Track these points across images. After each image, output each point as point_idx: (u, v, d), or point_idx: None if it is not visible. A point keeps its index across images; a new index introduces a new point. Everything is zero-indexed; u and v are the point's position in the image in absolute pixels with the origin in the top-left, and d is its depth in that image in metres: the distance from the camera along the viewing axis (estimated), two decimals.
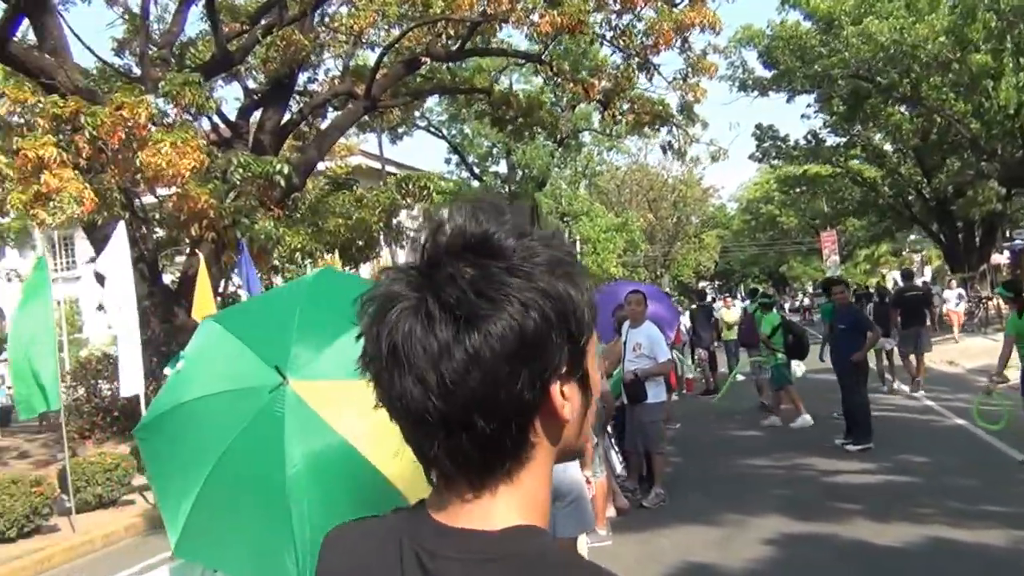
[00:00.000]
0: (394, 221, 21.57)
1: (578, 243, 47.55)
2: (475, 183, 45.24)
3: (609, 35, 19.84)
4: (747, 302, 23.72)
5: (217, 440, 3.20)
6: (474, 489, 1.10)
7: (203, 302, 13.97)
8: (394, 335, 1.04)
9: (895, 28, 26.65)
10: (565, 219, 49.00)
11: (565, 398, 1.09)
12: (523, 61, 27.52)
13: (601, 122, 28.22)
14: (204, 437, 3.29)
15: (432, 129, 43.99)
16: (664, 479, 10.27)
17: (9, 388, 19.89)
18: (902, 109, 32.64)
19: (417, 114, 36.68)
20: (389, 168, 32.95)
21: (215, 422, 3.29)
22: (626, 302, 10.04)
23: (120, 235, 12.48)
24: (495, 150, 46.74)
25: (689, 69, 20.38)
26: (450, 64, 25.18)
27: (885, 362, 18.01)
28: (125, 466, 12.24)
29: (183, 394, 3.51)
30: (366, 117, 23.30)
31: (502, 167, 48.11)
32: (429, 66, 22.63)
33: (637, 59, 19.90)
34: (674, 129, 23.71)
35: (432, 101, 38.86)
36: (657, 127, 23.45)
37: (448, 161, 45.23)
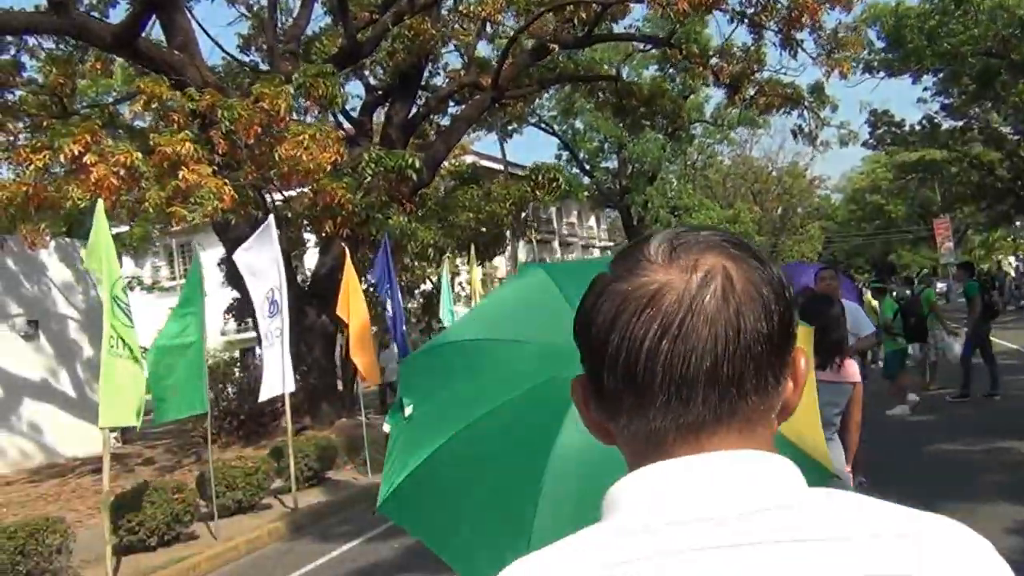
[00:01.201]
0: (522, 214, 20.35)
1: None
2: (586, 179, 43.88)
3: (750, 11, 18.19)
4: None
5: (492, 392, 2.50)
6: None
7: (350, 299, 13.01)
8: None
9: None
10: (676, 213, 47.44)
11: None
12: (650, 46, 26.10)
13: (724, 107, 26.89)
14: (478, 384, 2.61)
15: (543, 125, 42.91)
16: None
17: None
18: None
19: (527, 110, 35.62)
20: (502, 166, 31.98)
21: (500, 372, 2.59)
22: (819, 279, 8.87)
23: (269, 229, 11.51)
24: (606, 145, 45.46)
25: (833, 45, 18.71)
26: (571, 54, 24.01)
27: None
28: (265, 469, 11.33)
29: (471, 331, 2.83)
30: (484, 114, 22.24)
31: (612, 163, 46.80)
32: (552, 56, 21.41)
33: (780, 35, 18.30)
34: (805, 112, 22.12)
35: (544, 96, 37.70)
36: (788, 110, 21.88)
37: (559, 157, 43.97)
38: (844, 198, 77.87)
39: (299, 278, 19.71)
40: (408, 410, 2.62)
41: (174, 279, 46.60)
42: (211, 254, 51.26)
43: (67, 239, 18.21)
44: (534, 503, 2.24)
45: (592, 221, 62.45)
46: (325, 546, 9.67)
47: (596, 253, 60.20)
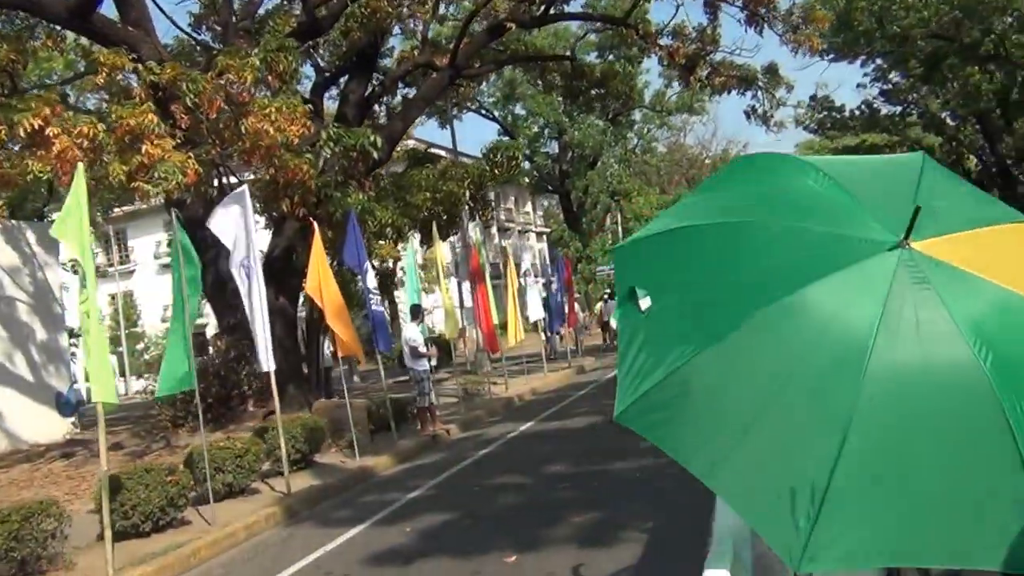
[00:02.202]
0: (480, 192, 20.00)
1: (631, 221, 46.12)
2: (527, 164, 43.64)
3: None
4: None
5: (770, 284, 2.03)
6: None
7: (318, 275, 12.56)
8: None
9: None
10: (615, 197, 47.49)
11: None
12: (604, 27, 25.91)
13: (663, 93, 26.85)
14: (746, 275, 2.13)
15: (484, 111, 42.54)
16: None
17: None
18: (984, 68, 30.60)
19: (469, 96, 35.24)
20: (440, 152, 31.59)
21: (776, 260, 2.12)
22: None
23: (243, 196, 10.94)
24: (547, 131, 45.25)
25: (801, 20, 18.70)
26: (522, 36, 23.69)
27: None
28: (256, 451, 10.77)
29: (714, 215, 2.29)
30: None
31: (553, 148, 46.63)
32: (506, 38, 21.10)
33: (746, 11, 18.22)
34: (759, 93, 22.18)
35: (485, 83, 37.37)
36: (742, 91, 21.88)
37: None
38: None
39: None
40: (644, 302, 2.17)
41: (111, 265, 45.60)
42: (144, 242, 50.35)
43: (12, 221, 17.35)
44: (839, 432, 1.83)
45: (529, 207, 62.30)
46: (329, 531, 9.18)
47: (533, 238, 60.14)
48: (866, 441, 1.81)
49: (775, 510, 1.85)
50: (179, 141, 12.89)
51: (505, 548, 7.47)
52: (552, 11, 20.40)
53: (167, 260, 46.87)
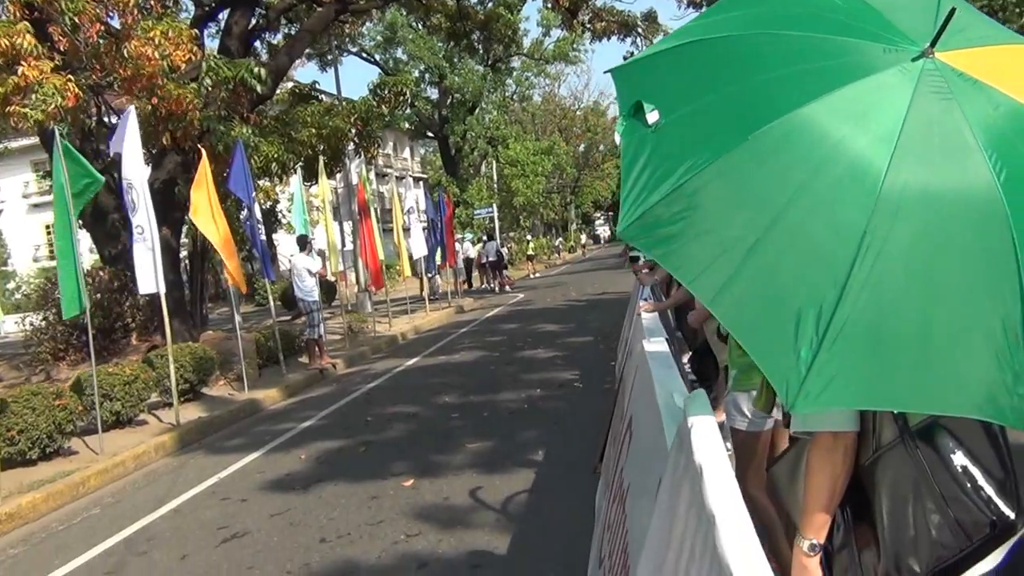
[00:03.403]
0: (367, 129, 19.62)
1: (506, 167, 46.16)
2: (407, 108, 43.15)
3: None
4: None
5: (790, 93, 1.84)
6: None
7: (208, 203, 12.17)
8: None
9: None
10: (493, 143, 47.45)
11: None
12: None
13: (566, 34, 26.72)
14: (768, 85, 1.90)
15: (365, 55, 41.72)
16: None
17: None
18: None
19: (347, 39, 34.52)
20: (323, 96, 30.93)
21: (798, 67, 1.90)
22: None
23: (130, 119, 10.48)
24: (427, 76, 44.73)
25: None
26: None
27: None
28: (145, 378, 10.45)
29: (732, 27, 2.06)
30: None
31: (433, 93, 46.14)
32: None
33: None
34: (638, 40, 22.44)
35: (366, 25, 36.61)
36: (622, 36, 22.11)
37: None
38: None
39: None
40: (652, 116, 1.99)
41: None
42: (10, 182, 48.03)
43: None
44: (849, 255, 1.69)
45: (407, 153, 61.69)
46: (223, 458, 8.99)
47: (411, 183, 59.72)
48: (877, 265, 1.67)
49: (777, 338, 1.70)
50: (57, 64, 12.24)
51: (401, 474, 7.46)
52: None
53: (37, 200, 45.29)
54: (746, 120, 1.84)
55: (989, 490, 1.80)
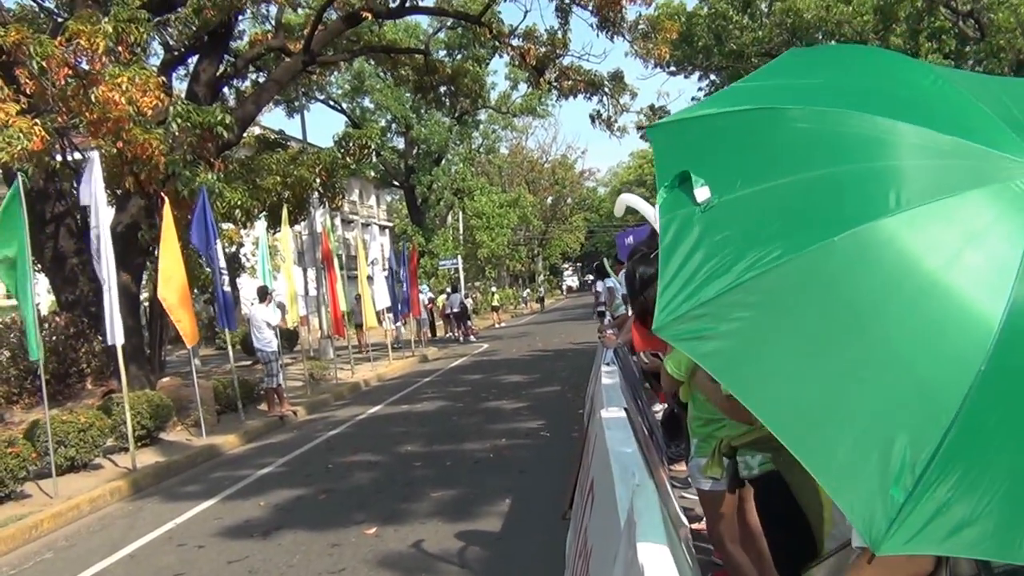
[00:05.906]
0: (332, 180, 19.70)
1: (472, 218, 46.38)
2: (373, 157, 43.37)
3: None
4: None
5: (886, 185, 1.60)
6: None
7: (170, 256, 12.15)
8: None
9: (821, 5, 26.54)
10: (459, 194, 47.70)
11: None
12: (455, 25, 26.00)
13: (533, 91, 27.08)
14: (867, 169, 1.65)
15: (332, 102, 41.96)
16: None
17: None
18: None
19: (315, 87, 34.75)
20: (290, 142, 31.07)
21: (900, 158, 1.65)
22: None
23: (94, 165, 10.49)
24: (394, 125, 45.01)
25: (649, 28, 19.30)
26: (374, 28, 23.54)
27: None
28: (100, 425, 10.32)
29: (783, 98, 1.82)
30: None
31: (400, 143, 46.43)
32: (360, 28, 20.94)
33: (597, 15, 18.67)
34: (605, 99, 22.80)
35: (335, 74, 36.89)
36: (589, 95, 22.45)
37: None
38: (609, 191, 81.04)
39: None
40: (702, 192, 1.69)
41: None
42: None
43: None
44: (963, 382, 1.46)
45: (373, 200, 61.78)
46: (178, 505, 8.92)
47: (376, 231, 59.69)
48: (988, 406, 1.45)
49: (859, 472, 1.47)
50: (23, 107, 12.22)
51: (363, 521, 7.44)
52: (408, 3, 20.38)
53: None
54: (835, 215, 1.60)
55: None
